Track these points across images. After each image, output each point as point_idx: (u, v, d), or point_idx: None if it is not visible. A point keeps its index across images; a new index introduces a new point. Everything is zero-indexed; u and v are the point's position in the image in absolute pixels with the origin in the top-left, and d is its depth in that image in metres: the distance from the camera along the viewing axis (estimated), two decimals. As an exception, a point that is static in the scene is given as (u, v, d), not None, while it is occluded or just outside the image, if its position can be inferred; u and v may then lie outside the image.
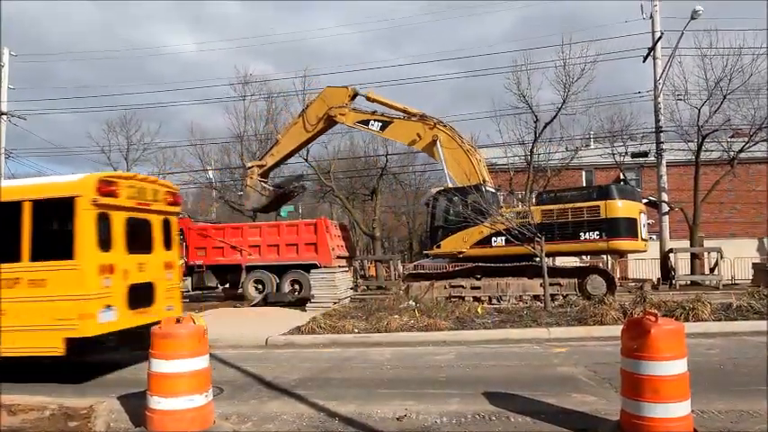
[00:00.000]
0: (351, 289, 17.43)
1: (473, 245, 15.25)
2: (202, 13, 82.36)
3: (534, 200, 16.25)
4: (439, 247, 15.90)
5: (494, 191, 15.97)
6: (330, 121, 18.60)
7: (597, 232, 14.12)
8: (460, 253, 15.50)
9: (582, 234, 14.25)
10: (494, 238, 14.91)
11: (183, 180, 35.42)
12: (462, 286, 15.18)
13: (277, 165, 20.91)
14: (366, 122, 18.08)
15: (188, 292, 19.70)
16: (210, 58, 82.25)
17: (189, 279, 18.96)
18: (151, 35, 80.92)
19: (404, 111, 17.79)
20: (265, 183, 19.79)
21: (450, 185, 16.08)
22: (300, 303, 15.90)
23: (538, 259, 13.67)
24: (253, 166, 19.91)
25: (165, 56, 68.67)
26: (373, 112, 18.04)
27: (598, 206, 14.20)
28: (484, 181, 16.18)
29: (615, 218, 14.09)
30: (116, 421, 5.25)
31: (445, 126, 17.16)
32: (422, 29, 51.42)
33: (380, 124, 17.87)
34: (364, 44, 71.53)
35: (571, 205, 14.43)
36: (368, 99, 18.43)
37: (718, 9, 20.12)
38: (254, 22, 77.40)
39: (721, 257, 19.86)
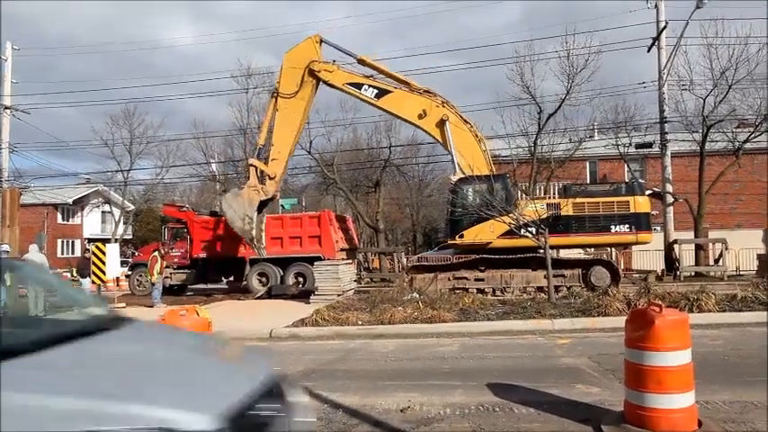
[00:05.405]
0: (354, 281, 17.44)
1: (500, 235, 14.74)
2: (205, 8, 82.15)
3: (564, 192, 16.04)
4: (462, 236, 15.15)
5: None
6: (313, 79, 16.01)
7: (627, 225, 15.00)
8: (488, 243, 14.88)
9: (613, 227, 15.03)
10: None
11: (186, 173, 35.61)
12: (466, 278, 15.13)
13: (285, 169, 17.98)
14: (359, 87, 15.85)
15: (192, 285, 19.81)
16: (212, 52, 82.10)
17: (193, 272, 19.04)
18: (153, 29, 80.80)
19: (405, 83, 15.94)
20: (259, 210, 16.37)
21: (458, 172, 15.27)
22: (304, 296, 15.94)
23: (542, 251, 13.63)
24: (261, 177, 16.39)
25: (167, 48, 68.63)
26: (369, 77, 15.95)
27: (628, 201, 15.13)
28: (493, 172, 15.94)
29: (642, 213, 15.15)
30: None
31: (452, 108, 15.76)
32: (424, 20, 51.15)
33: (376, 91, 15.71)
34: (366, 35, 71.31)
35: (603, 199, 15.21)
36: (359, 62, 16.03)
37: (724, -2, 19.92)
38: (258, 17, 77.22)
39: (726, 248, 19.79)
